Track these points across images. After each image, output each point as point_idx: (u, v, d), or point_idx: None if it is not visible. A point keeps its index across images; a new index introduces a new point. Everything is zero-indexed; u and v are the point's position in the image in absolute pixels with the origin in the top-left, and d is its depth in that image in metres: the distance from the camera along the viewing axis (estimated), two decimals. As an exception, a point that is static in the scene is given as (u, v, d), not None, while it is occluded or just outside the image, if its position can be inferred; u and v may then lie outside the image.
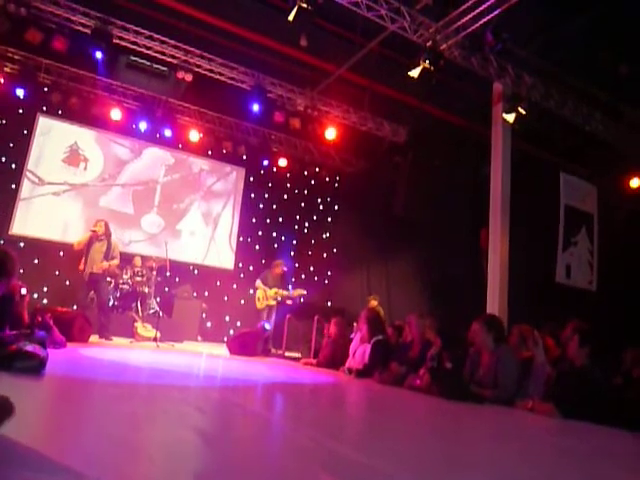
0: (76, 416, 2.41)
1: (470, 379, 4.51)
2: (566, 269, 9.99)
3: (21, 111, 9.85)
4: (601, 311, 8.40)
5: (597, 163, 10.03)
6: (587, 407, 3.53)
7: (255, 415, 3.02)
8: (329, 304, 11.56)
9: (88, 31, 8.05)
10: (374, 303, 9.54)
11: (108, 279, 8.40)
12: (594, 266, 10.40)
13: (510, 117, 7.88)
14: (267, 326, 8.46)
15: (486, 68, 7.93)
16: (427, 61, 7.04)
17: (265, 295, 8.74)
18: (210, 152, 11.60)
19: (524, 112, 7.85)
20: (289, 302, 9.01)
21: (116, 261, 7.75)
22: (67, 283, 9.62)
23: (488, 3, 6.65)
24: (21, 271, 8.57)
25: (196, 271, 11.20)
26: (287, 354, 8.09)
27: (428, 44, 7.22)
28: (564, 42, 7.67)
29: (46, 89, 9.76)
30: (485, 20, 6.81)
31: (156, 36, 8.53)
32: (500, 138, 8.07)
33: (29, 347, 3.30)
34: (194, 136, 10.92)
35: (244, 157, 11.71)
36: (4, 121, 9.68)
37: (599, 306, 9.15)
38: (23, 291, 4.15)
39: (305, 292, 9.25)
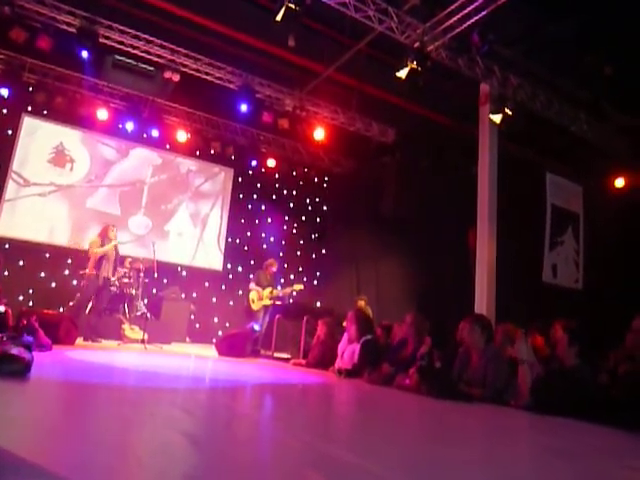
0: (62, 420, 2.38)
1: (459, 378, 4.53)
2: (552, 268, 10.11)
3: (5, 111, 9.72)
4: (587, 309, 8.50)
5: (583, 163, 10.15)
6: (574, 405, 3.57)
7: (244, 417, 3.01)
8: (318, 305, 11.56)
9: (73, 30, 7.97)
10: (362, 304, 9.54)
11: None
12: (580, 265, 10.53)
13: (497, 118, 7.95)
14: (256, 327, 8.43)
15: (473, 69, 7.99)
16: (414, 62, 7.07)
17: (260, 295, 8.69)
18: (198, 152, 11.54)
19: (510, 113, 7.92)
20: (278, 302, 8.99)
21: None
22: (53, 285, 9.51)
23: (475, 4, 6.70)
24: (5, 273, 8.53)
25: (184, 272, 11.14)
26: (276, 355, 8.07)
27: (415, 45, 7.25)
28: (550, 43, 7.74)
29: (31, 89, 9.65)
30: (472, 21, 6.86)
31: (142, 35, 8.47)
32: (487, 138, 8.14)
33: (14, 350, 3.26)
34: (182, 136, 10.86)
35: (232, 157, 11.66)
36: (-12, 121, 9.56)
37: (585, 305, 9.26)
38: (1, 309, 4.07)
39: (302, 287, 9.23)
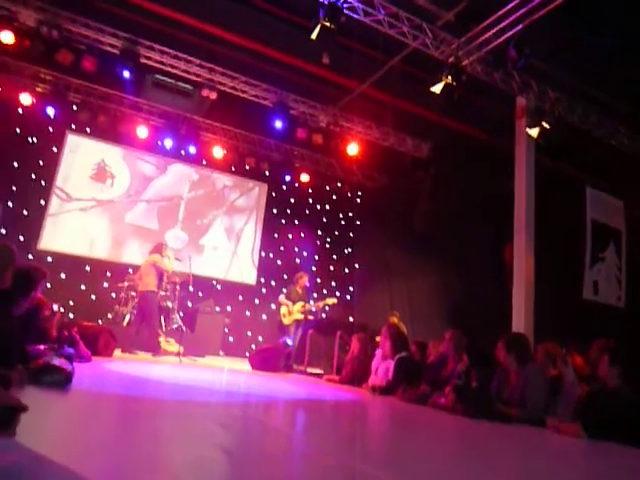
0: (100, 432, 2.43)
1: (497, 397, 4.42)
2: (593, 285, 9.78)
3: (51, 129, 10.15)
4: (630, 328, 8.19)
5: (623, 177, 9.85)
6: (617, 428, 3.43)
7: (279, 433, 3.01)
8: (351, 320, 11.50)
9: (116, 51, 8.29)
10: (394, 320, 9.43)
11: (133, 293, 8.63)
12: (622, 282, 10.16)
13: (534, 132, 7.81)
14: (289, 342, 8.43)
15: (509, 83, 7.90)
16: (449, 77, 7.04)
17: (290, 310, 8.66)
18: (233, 168, 11.74)
19: (548, 126, 7.77)
20: (310, 317, 8.98)
21: None
22: (93, 297, 9.76)
23: (511, 18, 6.64)
24: (48, 285, 8.79)
25: (219, 286, 11.27)
26: (309, 370, 8.04)
27: (450, 60, 7.23)
28: (587, 55, 7.60)
29: (75, 108, 10.03)
30: (508, 35, 6.80)
31: (181, 55, 8.72)
32: (524, 153, 8.00)
33: (56, 361, 3.35)
34: (218, 152, 11.07)
35: (267, 173, 11.82)
36: (35, 139, 9.98)
37: (628, 323, 8.92)
38: (55, 307, 4.22)
39: (335, 301, 9.18)
